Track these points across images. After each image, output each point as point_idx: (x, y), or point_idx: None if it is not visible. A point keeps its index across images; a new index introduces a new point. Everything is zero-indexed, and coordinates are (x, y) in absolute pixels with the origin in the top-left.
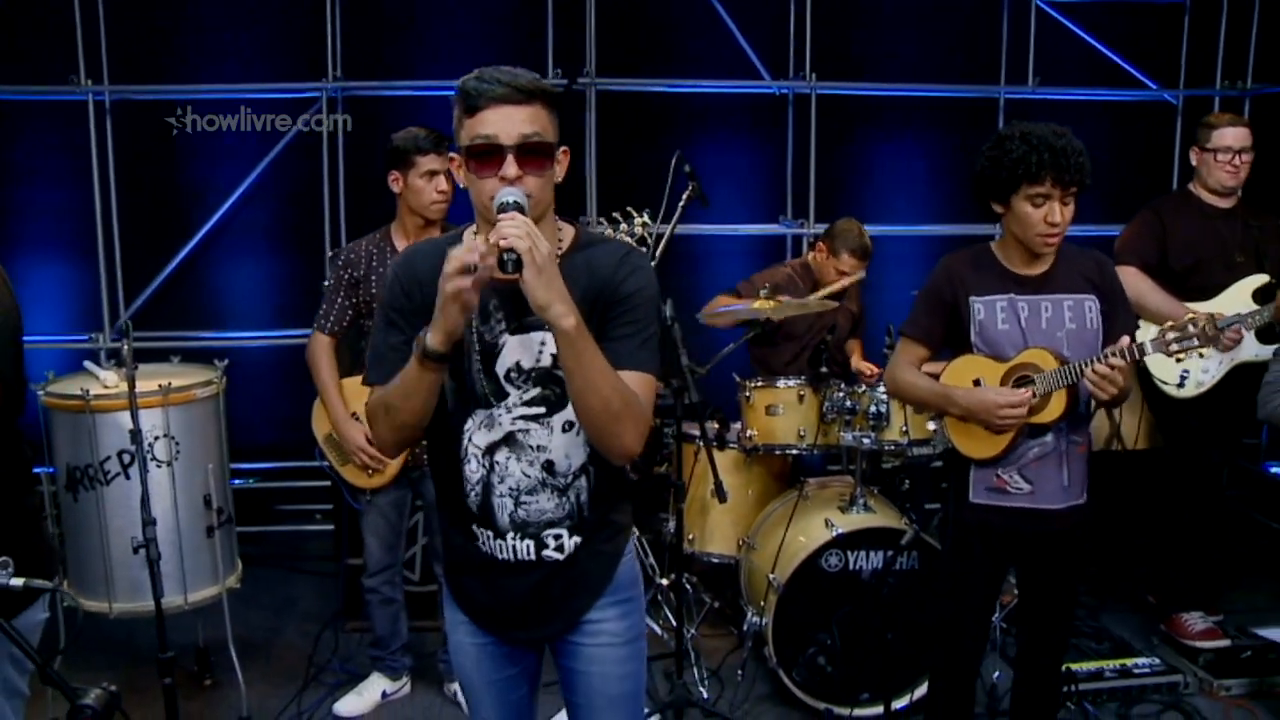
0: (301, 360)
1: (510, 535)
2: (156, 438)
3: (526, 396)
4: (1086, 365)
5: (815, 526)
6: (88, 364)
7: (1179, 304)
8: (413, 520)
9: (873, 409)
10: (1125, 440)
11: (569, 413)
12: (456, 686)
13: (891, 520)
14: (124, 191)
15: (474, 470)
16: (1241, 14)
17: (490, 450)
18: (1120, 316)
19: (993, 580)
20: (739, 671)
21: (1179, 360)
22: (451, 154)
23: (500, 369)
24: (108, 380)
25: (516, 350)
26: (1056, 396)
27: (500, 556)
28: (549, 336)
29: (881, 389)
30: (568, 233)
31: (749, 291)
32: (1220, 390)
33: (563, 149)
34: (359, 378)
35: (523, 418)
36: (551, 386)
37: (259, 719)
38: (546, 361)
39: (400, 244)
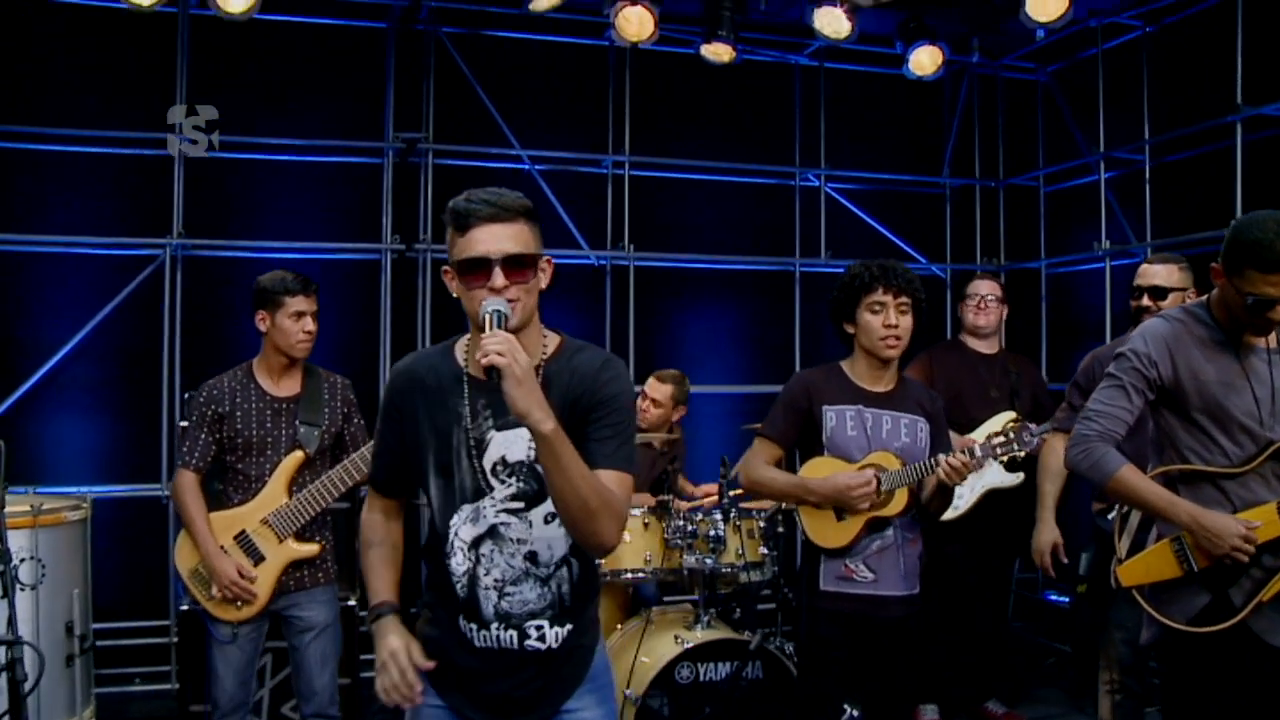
0: (125, 518)
1: (495, 625)
2: (22, 559)
3: (509, 491)
4: (934, 463)
5: (665, 643)
6: None
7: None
8: (261, 661)
9: (712, 533)
10: None
11: (549, 505)
12: None
13: (735, 634)
14: None
15: (460, 564)
16: (990, 204)
17: (476, 544)
18: (942, 441)
19: (846, 663)
20: None
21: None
22: (445, 268)
23: (488, 463)
24: None
25: (502, 445)
26: (900, 493)
27: (484, 646)
28: (523, 433)
29: (718, 515)
30: (552, 340)
31: None
32: (974, 516)
33: (545, 258)
34: (223, 512)
35: (505, 511)
36: (531, 480)
37: None
38: (525, 455)
39: (263, 381)
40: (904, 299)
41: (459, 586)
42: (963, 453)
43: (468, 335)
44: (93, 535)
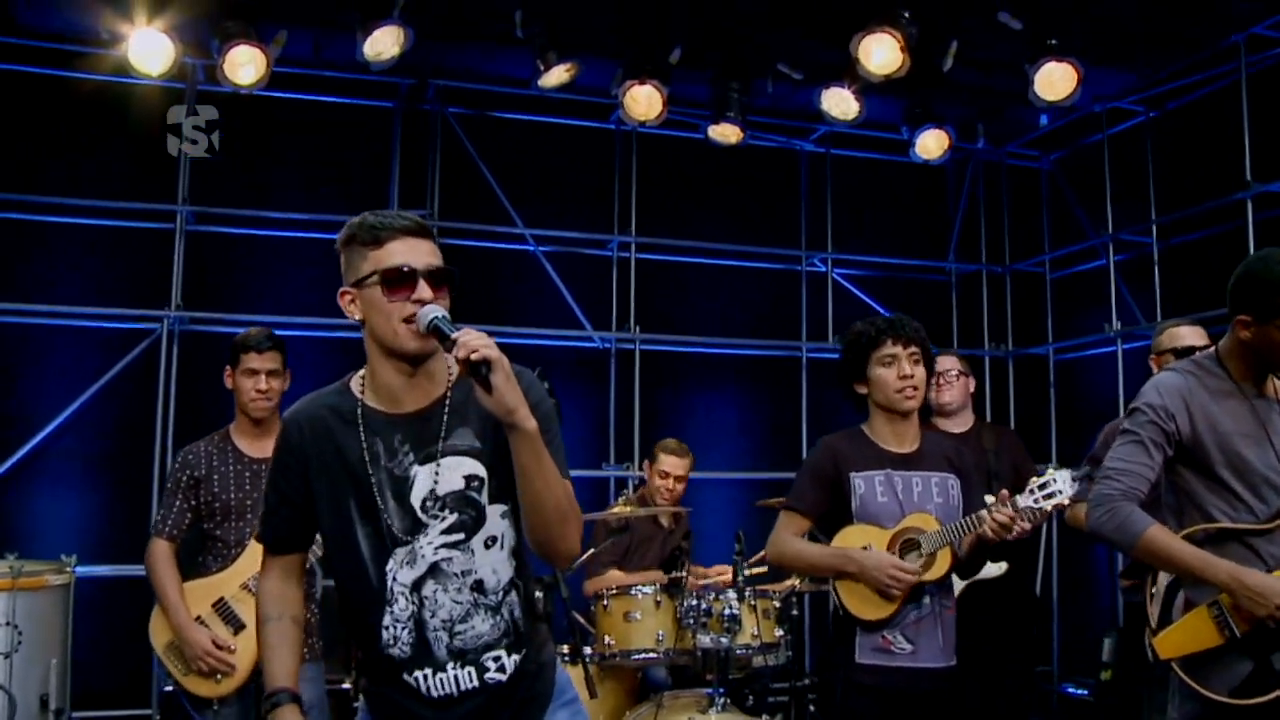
0: (111, 599)
1: (450, 666)
2: None
3: (444, 525)
4: (977, 520)
5: None
6: None
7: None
8: None
9: (726, 612)
10: None
11: (490, 527)
12: None
13: (750, 717)
14: None
15: (403, 609)
16: (998, 290)
17: (417, 586)
18: (975, 496)
19: None
20: None
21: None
22: (344, 289)
23: (415, 500)
24: None
25: (427, 479)
26: (942, 555)
27: (441, 693)
28: (448, 461)
29: (732, 594)
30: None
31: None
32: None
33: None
34: (201, 580)
35: (445, 546)
36: (467, 510)
37: None
38: (458, 484)
39: (240, 443)
40: (914, 349)
41: (404, 634)
42: (1006, 505)
43: (361, 372)
44: (76, 615)
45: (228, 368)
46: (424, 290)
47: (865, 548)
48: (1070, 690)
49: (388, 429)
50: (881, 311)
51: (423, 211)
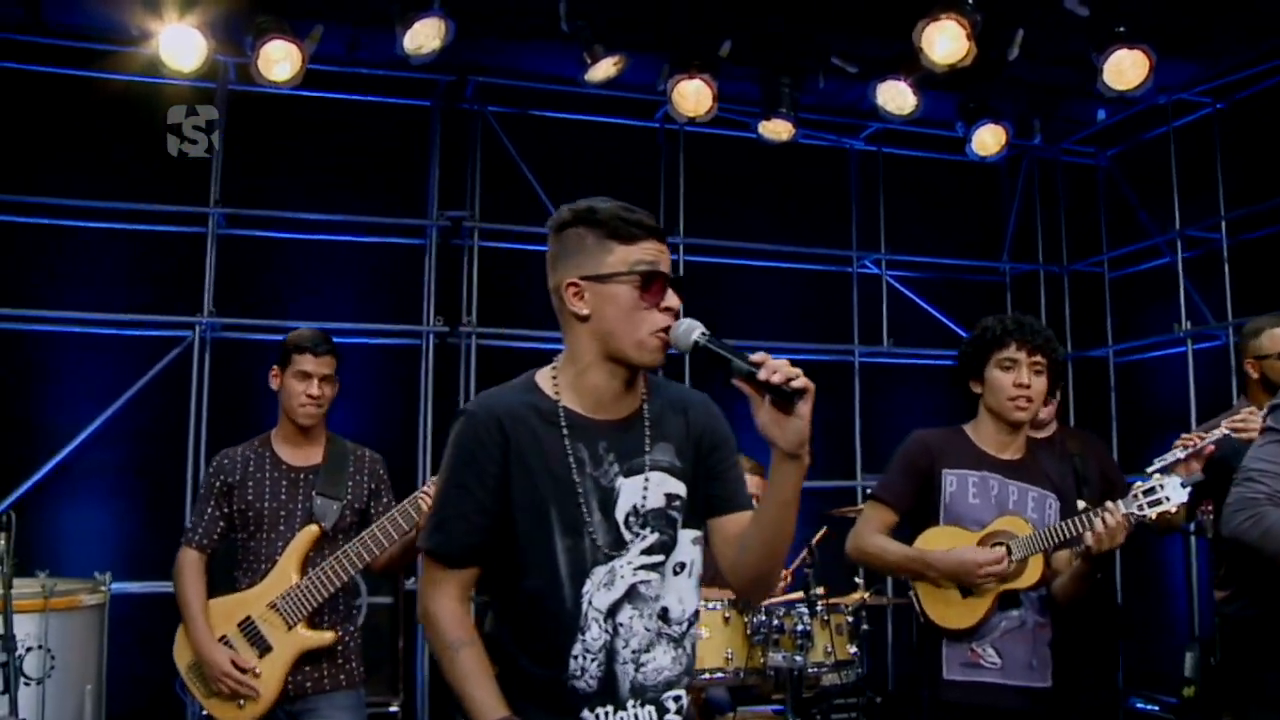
0: (144, 618)
1: (631, 704)
2: (29, 649)
3: (645, 544)
4: (1080, 524)
5: None
6: None
7: None
8: None
9: (798, 628)
10: None
11: (679, 553)
12: None
13: None
14: None
15: (595, 637)
16: (1055, 291)
17: (613, 611)
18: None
19: None
20: None
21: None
22: (573, 280)
23: (620, 514)
24: None
25: (634, 493)
26: (1033, 562)
27: None
28: (655, 476)
29: (804, 609)
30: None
31: None
32: None
33: None
34: (228, 597)
35: (644, 567)
36: (666, 529)
37: None
38: (660, 501)
39: (281, 451)
40: (1039, 358)
41: (592, 666)
42: (1109, 510)
43: (551, 369)
44: (110, 629)
45: (275, 368)
46: (674, 298)
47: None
48: (1140, 705)
49: (592, 434)
50: (934, 314)
51: (463, 213)
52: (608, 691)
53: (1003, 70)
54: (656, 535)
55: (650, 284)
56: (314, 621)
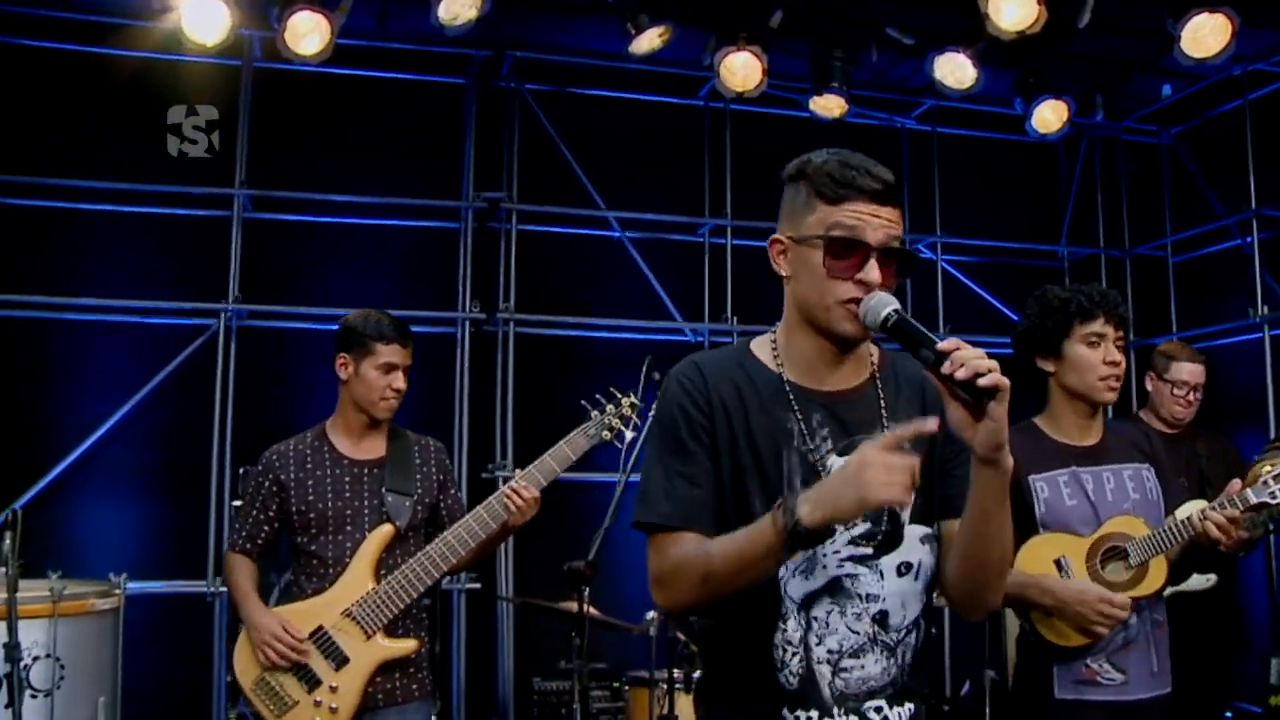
0: (165, 619)
1: (837, 711)
2: (35, 658)
3: (855, 533)
4: (1195, 521)
5: None
6: None
7: None
8: None
9: None
10: None
11: (905, 552)
12: None
13: None
14: None
15: (793, 629)
16: (1117, 275)
17: (808, 603)
18: (1171, 485)
19: None
20: None
21: None
22: (776, 237)
23: None
24: None
25: None
26: (1156, 565)
27: None
28: None
29: None
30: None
31: None
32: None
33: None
34: (297, 604)
35: (850, 559)
36: (883, 520)
37: None
38: None
39: (340, 444)
40: (1122, 334)
41: (794, 661)
42: (1229, 503)
43: (770, 335)
44: (126, 634)
45: (343, 356)
46: (872, 271)
47: (1059, 561)
48: (1225, 715)
49: (807, 405)
50: (987, 299)
51: (500, 194)
52: (811, 693)
53: (1072, 38)
54: (869, 524)
55: (843, 251)
56: (391, 630)
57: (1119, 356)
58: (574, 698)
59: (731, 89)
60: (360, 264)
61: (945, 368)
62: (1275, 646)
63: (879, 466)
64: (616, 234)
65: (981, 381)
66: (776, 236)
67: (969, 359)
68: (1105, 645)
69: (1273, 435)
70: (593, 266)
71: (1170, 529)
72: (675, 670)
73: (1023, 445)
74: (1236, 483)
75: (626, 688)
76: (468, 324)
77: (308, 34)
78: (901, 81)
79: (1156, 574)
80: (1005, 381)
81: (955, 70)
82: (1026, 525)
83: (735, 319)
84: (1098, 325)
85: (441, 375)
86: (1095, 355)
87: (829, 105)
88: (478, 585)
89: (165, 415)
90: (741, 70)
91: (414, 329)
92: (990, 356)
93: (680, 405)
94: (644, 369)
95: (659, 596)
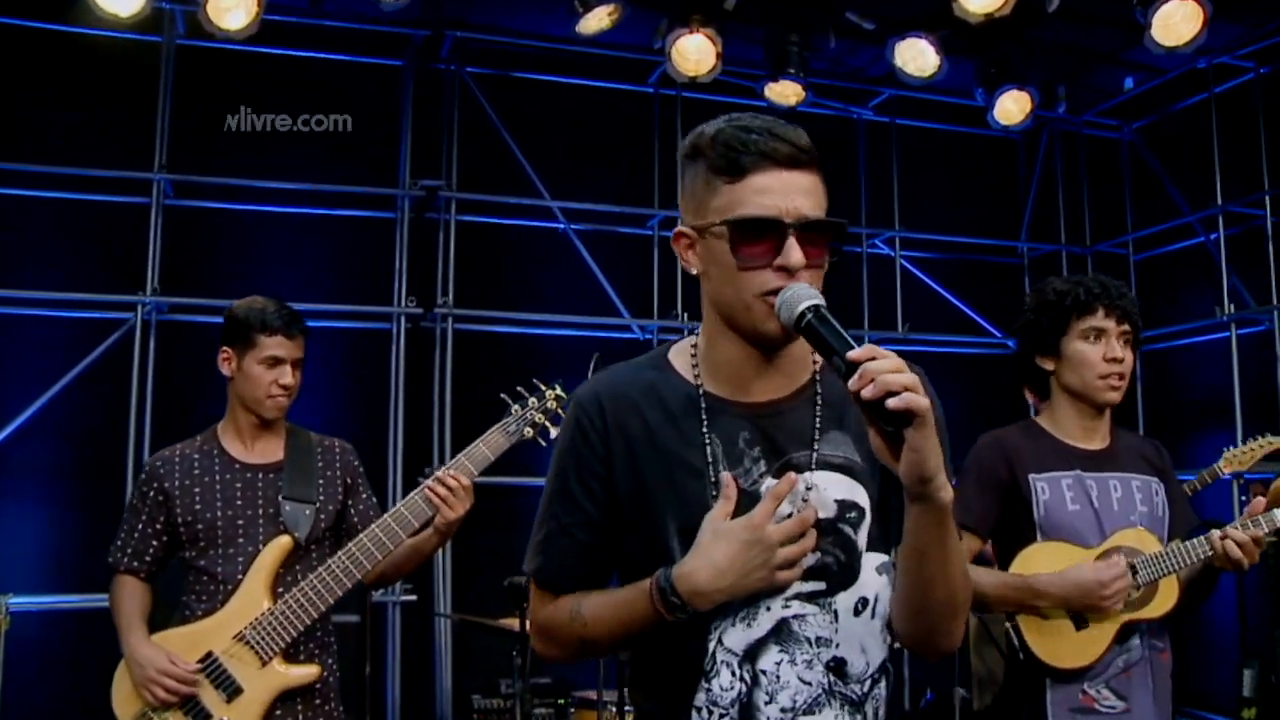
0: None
1: None
2: None
3: (804, 563)
4: (1215, 540)
5: None
6: None
7: None
8: None
9: None
10: None
11: (861, 588)
12: None
13: None
14: None
15: (727, 687)
16: (1078, 271)
17: (752, 655)
18: (1180, 504)
19: None
20: None
21: None
22: (681, 230)
23: None
24: None
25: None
26: (1166, 585)
27: None
28: (821, 477)
29: None
30: None
31: None
32: None
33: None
34: (185, 628)
35: (798, 597)
36: (835, 550)
37: None
38: (829, 510)
39: (232, 447)
40: (1127, 327)
41: None
42: (1253, 523)
43: (689, 342)
44: (15, 657)
45: (225, 350)
46: (793, 252)
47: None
48: None
49: (729, 424)
50: (945, 296)
51: (438, 182)
52: None
53: (1039, 24)
54: (818, 555)
55: (753, 235)
56: (291, 654)
57: (1121, 353)
58: (516, 718)
59: (683, 73)
60: (289, 255)
61: (852, 383)
62: (1246, 657)
63: (757, 547)
64: (561, 225)
65: (890, 404)
66: (680, 229)
67: (880, 373)
68: (1104, 669)
69: (1240, 437)
70: (536, 260)
71: (1185, 548)
72: (625, 689)
73: (1024, 441)
74: (1260, 501)
75: (573, 709)
76: (404, 319)
77: (232, 8)
78: (860, 71)
79: (1167, 595)
80: (922, 404)
81: (916, 57)
82: (1023, 527)
83: (685, 315)
84: (1097, 319)
85: (376, 374)
86: (1095, 352)
87: (785, 92)
88: (414, 598)
89: (78, 415)
90: (695, 54)
91: (347, 324)
92: (953, 356)
93: (572, 445)
94: (590, 369)
95: (539, 648)
